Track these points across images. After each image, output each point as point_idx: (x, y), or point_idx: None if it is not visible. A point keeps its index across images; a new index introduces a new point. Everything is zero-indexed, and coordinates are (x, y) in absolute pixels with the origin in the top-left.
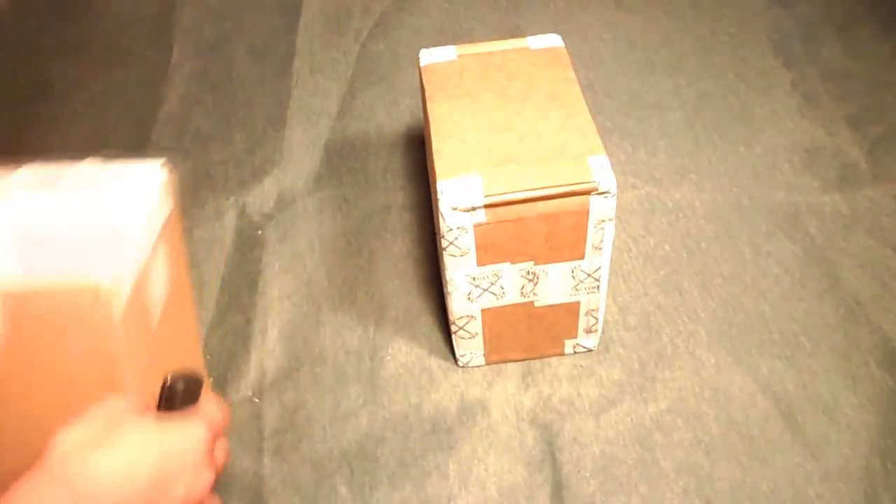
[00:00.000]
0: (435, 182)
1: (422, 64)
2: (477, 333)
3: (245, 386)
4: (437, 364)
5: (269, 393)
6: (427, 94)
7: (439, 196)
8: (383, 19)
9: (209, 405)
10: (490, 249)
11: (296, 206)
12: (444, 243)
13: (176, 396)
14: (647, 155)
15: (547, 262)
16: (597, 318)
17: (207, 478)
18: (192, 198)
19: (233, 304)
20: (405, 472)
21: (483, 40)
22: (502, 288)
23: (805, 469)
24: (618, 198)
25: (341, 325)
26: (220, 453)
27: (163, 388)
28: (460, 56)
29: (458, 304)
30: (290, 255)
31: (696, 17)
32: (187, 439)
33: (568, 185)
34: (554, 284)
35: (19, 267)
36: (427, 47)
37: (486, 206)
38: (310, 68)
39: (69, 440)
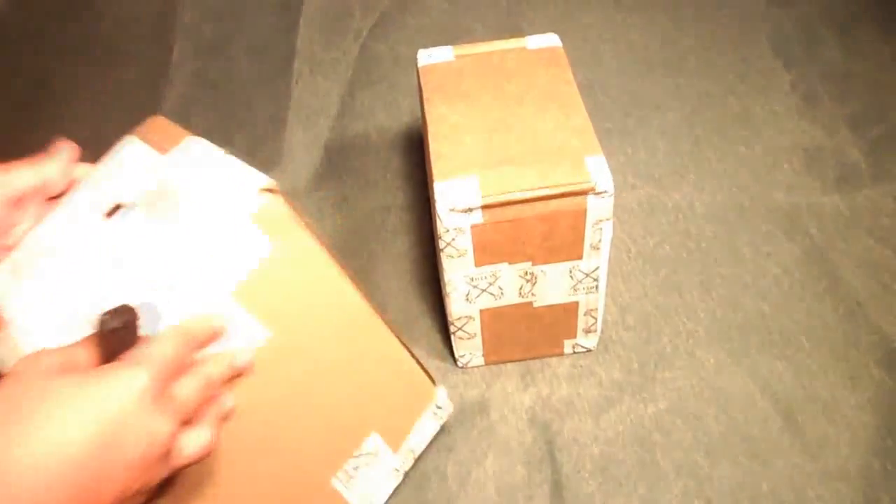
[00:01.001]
0: (432, 183)
1: (419, 65)
2: (476, 334)
3: None
4: (436, 365)
5: None
6: (424, 95)
7: (436, 197)
8: (383, 19)
9: (154, 341)
10: (488, 250)
11: (295, 206)
12: (441, 244)
13: (122, 339)
14: (647, 155)
15: (545, 262)
16: (596, 318)
17: (163, 428)
18: None
19: None
20: (405, 476)
21: (483, 40)
22: (500, 288)
23: (804, 469)
24: (617, 198)
25: None
26: (187, 392)
27: (99, 331)
28: (457, 57)
29: (457, 305)
30: None
31: (696, 17)
32: (125, 391)
33: (565, 185)
34: (552, 284)
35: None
36: (427, 47)
37: (484, 207)
38: (310, 68)
39: None
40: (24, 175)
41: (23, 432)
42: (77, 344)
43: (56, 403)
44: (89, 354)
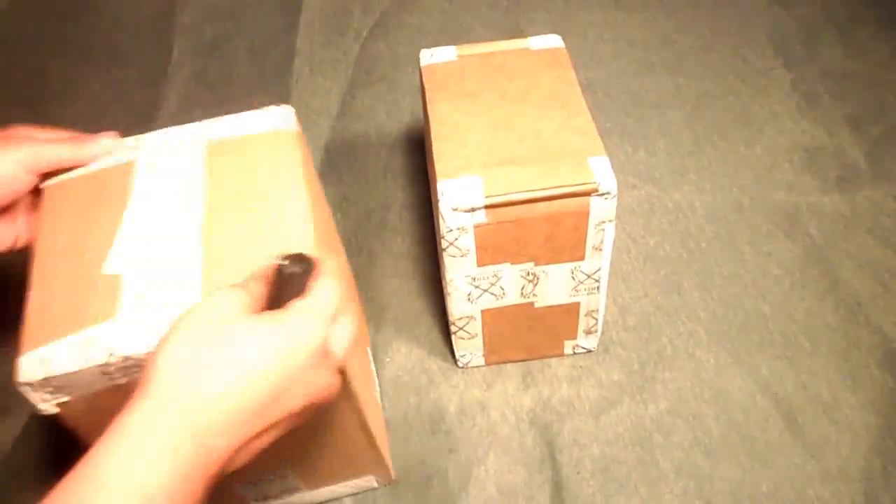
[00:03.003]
0: (435, 183)
1: (422, 64)
2: (477, 334)
3: None
4: (436, 365)
5: None
6: (427, 94)
7: (439, 197)
8: (383, 19)
9: (321, 288)
10: (490, 250)
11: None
12: (443, 244)
13: (293, 284)
14: (647, 155)
15: (547, 262)
16: (597, 319)
17: (326, 379)
18: None
19: None
20: (406, 479)
21: (483, 40)
22: (502, 289)
23: (805, 470)
24: (618, 198)
25: None
26: (339, 339)
27: (276, 275)
28: (460, 56)
29: (458, 305)
30: None
31: (696, 17)
32: (303, 339)
33: (568, 186)
34: (554, 285)
35: None
36: (427, 47)
37: (487, 207)
38: (310, 68)
39: (176, 357)
40: (63, 152)
41: (225, 367)
42: (253, 279)
43: (253, 342)
44: (262, 291)
